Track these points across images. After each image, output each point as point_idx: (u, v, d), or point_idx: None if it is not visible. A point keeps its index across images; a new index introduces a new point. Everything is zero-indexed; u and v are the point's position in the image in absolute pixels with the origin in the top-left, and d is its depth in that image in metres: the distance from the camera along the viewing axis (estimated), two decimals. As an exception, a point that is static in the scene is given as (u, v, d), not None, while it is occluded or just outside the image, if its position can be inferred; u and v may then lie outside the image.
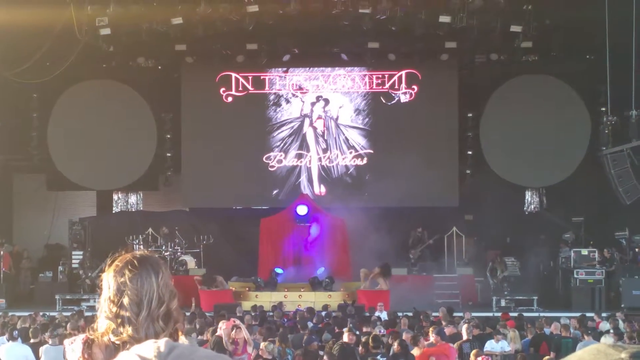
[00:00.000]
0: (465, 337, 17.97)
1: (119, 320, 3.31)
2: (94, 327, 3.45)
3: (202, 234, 32.43)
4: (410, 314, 24.58)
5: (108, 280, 3.38)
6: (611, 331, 20.08)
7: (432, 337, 17.31)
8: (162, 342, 2.64)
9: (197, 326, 19.57)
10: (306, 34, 32.55)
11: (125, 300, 3.29)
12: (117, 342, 3.30)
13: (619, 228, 31.55)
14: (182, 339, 3.41)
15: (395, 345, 16.60)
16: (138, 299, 3.29)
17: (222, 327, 15.78)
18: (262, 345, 16.84)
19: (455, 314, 23.90)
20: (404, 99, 34.35)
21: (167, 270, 3.45)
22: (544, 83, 33.58)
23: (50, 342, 16.77)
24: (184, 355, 1.76)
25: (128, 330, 3.28)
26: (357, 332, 19.40)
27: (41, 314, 23.84)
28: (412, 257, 31.85)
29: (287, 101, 34.79)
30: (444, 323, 21.01)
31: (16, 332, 18.02)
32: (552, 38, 32.79)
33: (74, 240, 32.82)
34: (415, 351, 16.36)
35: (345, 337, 17.09)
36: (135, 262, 3.35)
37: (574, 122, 33.22)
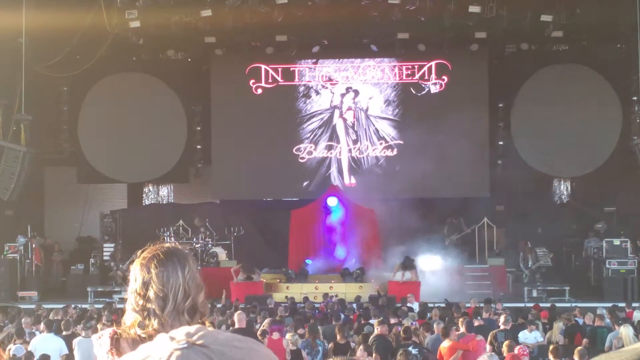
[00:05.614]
0: (502, 326, 17.87)
1: (145, 313, 3.30)
2: (122, 320, 3.44)
3: (233, 226, 32.45)
4: (442, 304, 24.57)
5: (135, 273, 3.37)
6: None
7: (462, 328, 17.28)
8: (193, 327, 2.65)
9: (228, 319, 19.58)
10: (335, 25, 32.40)
11: (151, 294, 3.28)
12: (144, 336, 3.29)
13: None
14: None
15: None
16: (164, 292, 3.27)
17: None
18: (288, 336, 16.90)
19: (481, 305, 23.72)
20: (434, 89, 34.22)
21: (194, 263, 3.42)
22: (575, 72, 33.35)
23: (83, 334, 16.86)
24: (208, 335, 1.86)
25: (154, 323, 3.27)
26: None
27: (73, 306, 23.97)
28: (448, 243, 31.62)
29: (317, 93, 34.73)
30: (485, 314, 20.90)
31: (42, 325, 18.19)
32: (583, 27, 32.53)
33: (105, 232, 32.95)
34: (446, 342, 16.33)
35: (377, 329, 17.07)
36: (161, 255, 3.33)
37: (605, 111, 32.96)
